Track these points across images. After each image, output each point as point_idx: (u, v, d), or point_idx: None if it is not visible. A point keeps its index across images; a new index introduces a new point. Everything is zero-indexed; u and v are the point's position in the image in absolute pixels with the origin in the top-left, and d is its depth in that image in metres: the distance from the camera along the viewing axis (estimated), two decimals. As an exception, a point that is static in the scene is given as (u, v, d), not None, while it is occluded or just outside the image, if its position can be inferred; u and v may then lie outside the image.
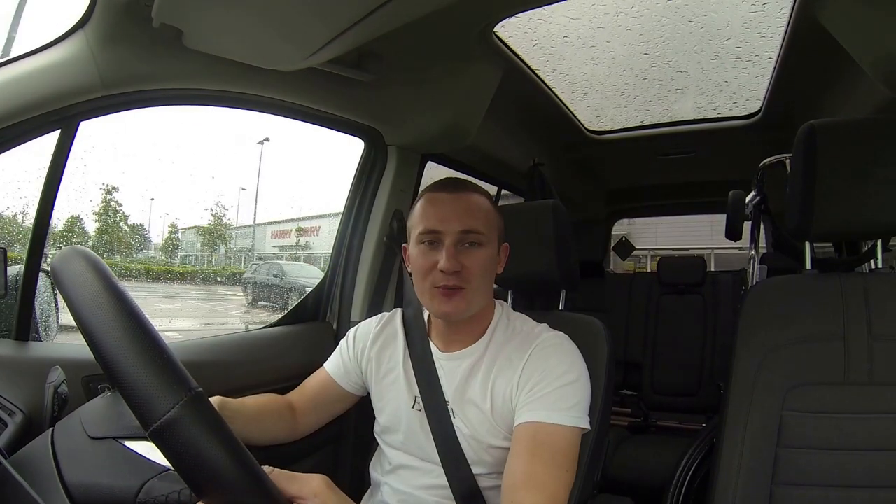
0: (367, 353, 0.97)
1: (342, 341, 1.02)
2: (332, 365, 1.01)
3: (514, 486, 0.74)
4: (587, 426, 0.79)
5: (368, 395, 0.99)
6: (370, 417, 0.97)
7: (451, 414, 0.86)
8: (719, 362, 2.13)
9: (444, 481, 0.84)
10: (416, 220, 0.85)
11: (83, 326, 0.42)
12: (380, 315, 1.02)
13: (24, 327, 0.90)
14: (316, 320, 1.42)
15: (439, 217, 0.83)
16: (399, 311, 1.01)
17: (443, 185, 0.88)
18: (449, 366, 0.89)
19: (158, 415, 0.38)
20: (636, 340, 2.29)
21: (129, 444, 0.53)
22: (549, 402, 0.78)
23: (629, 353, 2.28)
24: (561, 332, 0.87)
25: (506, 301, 1.14)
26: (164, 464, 0.48)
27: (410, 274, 0.92)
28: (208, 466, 0.38)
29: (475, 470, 0.84)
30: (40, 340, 0.94)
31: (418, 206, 0.87)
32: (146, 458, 0.52)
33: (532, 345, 0.84)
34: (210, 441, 0.38)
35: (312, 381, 1.01)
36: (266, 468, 0.48)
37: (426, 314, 0.96)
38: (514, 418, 0.80)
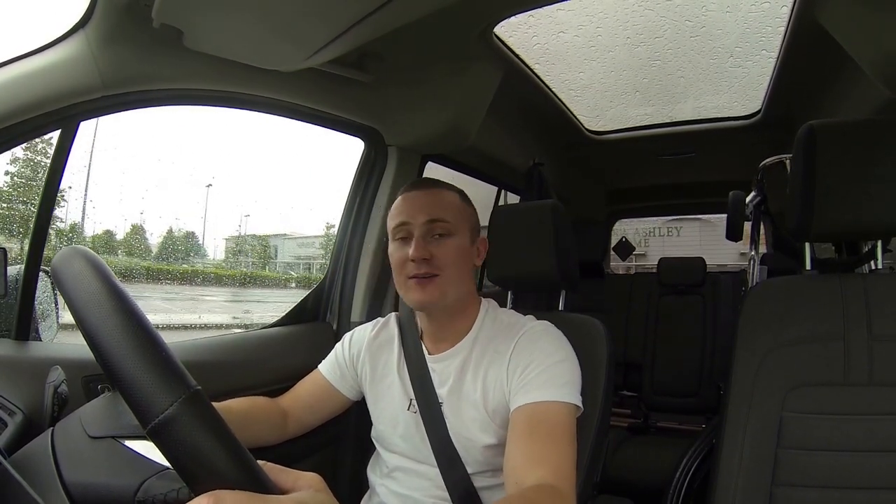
0: (363, 356, 0.97)
1: (337, 345, 1.02)
2: (328, 368, 1.01)
3: (516, 466, 0.73)
4: (580, 405, 0.80)
5: (364, 398, 0.99)
6: (368, 420, 0.97)
7: (444, 415, 0.86)
8: (719, 363, 2.13)
9: (441, 482, 0.84)
10: (390, 219, 0.90)
11: (82, 326, 0.42)
12: (375, 320, 1.03)
13: (24, 327, 0.90)
14: (316, 320, 1.42)
15: (408, 211, 0.88)
16: (394, 315, 1.01)
17: (413, 184, 0.93)
18: (440, 367, 0.89)
19: (157, 412, 0.38)
20: (636, 341, 2.29)
21: (128, 443, 0.53)
22: (540, 381, 0.79)
23: (629, 353, 2.28)
24: (546, 321, 0.88)
25: (506, 301, 1.15)
26: (163, 463, 0.47)
27: None
28: (206, 463, 0.38)
29: (470, 470, 0.84)
30: (40, 340, 0.94)
31: (393, 206, 0.91)
32: (145, 456, 0.51)
33: (518, 334, 0.85)
34: (208, 438, 0.38)
35: (307, 383, 1.01)
36: (260, 462, 0.49)
37: (417, 316, 0.96)
38: (509, 405, 0.80)
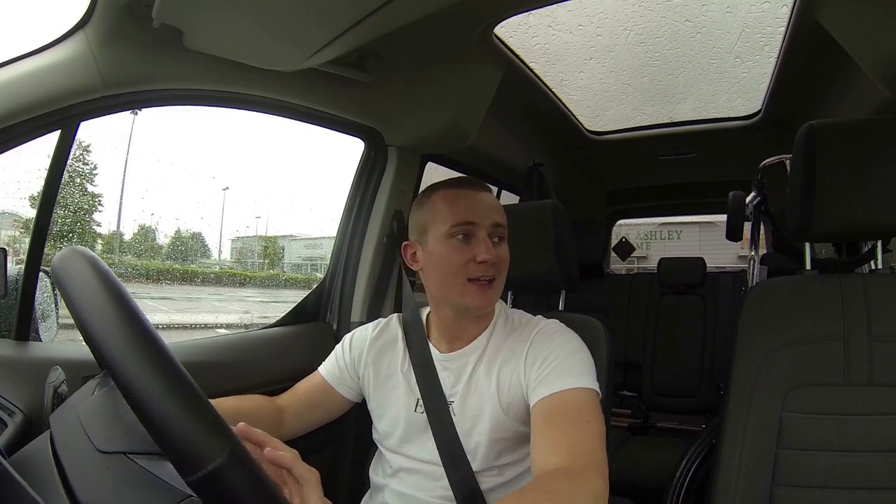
0: (365, 358, 0.96)
1: (337, 347, 1.01)
2: (327, 369, 1.00)
3: (537, 456, 0.74)
4: (599, 391, 0.80)
5: (363, 400, 0.99)
6: (369, 420, 0.97)
7: (452, 413, 0.86)
8: (719, 363, 2.13)
9: (446, 482, 0.84)
10: (443, 215, 0.85)
11: (111, 367, 0.41)
12: (376, 321, 1.02)
13: (24, 327, 0.90)
14: (316, 321, 1.42)
15: (472, 209, 0.84)
16: (395, 316, 1.01)
17: (462, 182, 0.89)
18: (455, 365, 0.89)
19: (199, 467, 0.37)
20: (636, 341, 2.29)
21: (143, 462, 0.50)
22: (557, 373, 0.79)
23: (629, 353, 2.28)
24: (556, 320, 0.89)
25: (506, 301, 1.15)
26: (186, 489, 0.46)
27: (414, 273, 0.92)
28: None
29: (476, 468, 0.84)
30: (40, 340, 0.94)
31: (439, 202, 0.87)
32: (166, 481, 0.49)
33: (533, 332, 0.86)
34: (254, 495, 0.39)
35: (306, 384, 1.01)
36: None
37: (424, 316, 0.96)
38: (527, 399, 0.81)
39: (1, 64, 0.81)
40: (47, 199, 0.90)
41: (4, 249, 0.82)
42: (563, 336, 0.85)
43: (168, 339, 0.45)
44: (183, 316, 3.83)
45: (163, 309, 3.71)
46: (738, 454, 0.91)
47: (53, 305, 1.02)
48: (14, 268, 0.89)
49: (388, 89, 1.27)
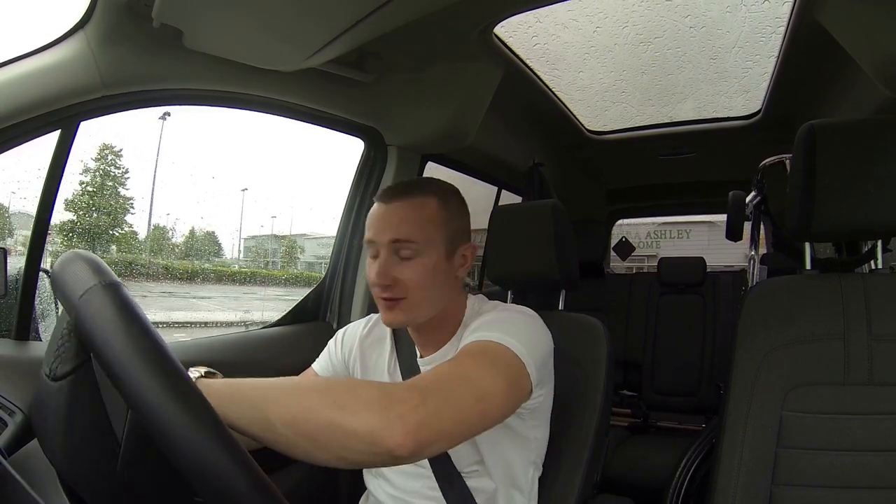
0: (354, 354, 0.96)
1: (330, 342, 1.01)
2: (321, 365, 1.00)
3: None
4: (522, 358, 0.72)
5: None
6: None
7: None
8: (719, 362, 2.13)
9: (434, 483, 0.84)
10: (366, 229, 0.85)
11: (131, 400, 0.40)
12: (367, 317, 1.01)
13: (24, 327, 0.90)
14: (316, 320, 1.42)
15: (374, 227, 0.82)
16: None
17: (384, 193, 0.85)
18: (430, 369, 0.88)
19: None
20: (636, 340, 2.29)
21: None
22: (482, 331, 0.74)
23: (629, 353, 2.28)
24: (524, 306, 0.85)
25: (506, 301, 1.15)
26: None
27: None
28: None
29: (461, 468, 0.83)
30: (40, 340, 0.94)
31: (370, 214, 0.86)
32: None
33: (490, 314, 0.82)
34: None
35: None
36: None
37: None
38: None
39: (1, 64, 0.81)
40: (47, 198, 0.90)
41: (4, 249, 0.82)
42: (504, 311, 0.82)
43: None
44: (248, 314, 3.85)
45: (210, 308, 3.75)
46: (738, 453, 0.91)
47: (54, 305, 1.02)
48: (14, 267, 0.89)
49: (388, 89, 1.27)
